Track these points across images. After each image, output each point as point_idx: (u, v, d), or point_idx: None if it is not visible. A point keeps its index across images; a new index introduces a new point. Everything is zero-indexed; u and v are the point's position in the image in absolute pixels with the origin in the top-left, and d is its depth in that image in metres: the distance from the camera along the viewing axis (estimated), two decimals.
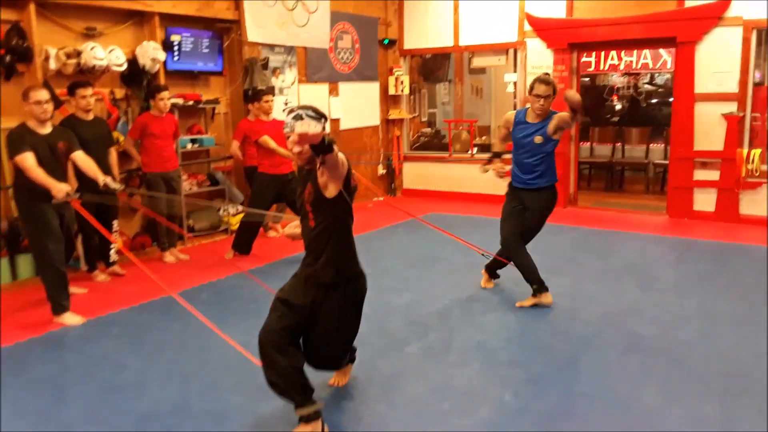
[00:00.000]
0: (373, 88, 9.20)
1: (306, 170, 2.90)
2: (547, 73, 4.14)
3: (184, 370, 3.74)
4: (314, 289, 2.89)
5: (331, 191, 2.76)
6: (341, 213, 2.85)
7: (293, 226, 3.14)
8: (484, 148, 9.37)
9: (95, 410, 3.26)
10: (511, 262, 4.82)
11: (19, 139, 4.40)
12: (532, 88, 4.51)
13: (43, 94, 4.50)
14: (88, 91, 5.27)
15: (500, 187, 5.42)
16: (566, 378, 3.53)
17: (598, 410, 3.16)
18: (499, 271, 5.13)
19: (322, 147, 2.42)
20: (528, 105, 4.62)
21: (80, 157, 4.74)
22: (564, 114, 4.39)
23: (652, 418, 3.06)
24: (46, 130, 4.56)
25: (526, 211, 4.70)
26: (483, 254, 5.19)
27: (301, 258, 3.04)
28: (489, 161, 4.82)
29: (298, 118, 2.75)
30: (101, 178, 4.70)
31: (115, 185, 4.77)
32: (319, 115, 2.83)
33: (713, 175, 7.40)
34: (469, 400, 3.30)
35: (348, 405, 3.30)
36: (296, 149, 2.75)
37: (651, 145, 9.91)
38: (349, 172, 2.79)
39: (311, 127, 2.27)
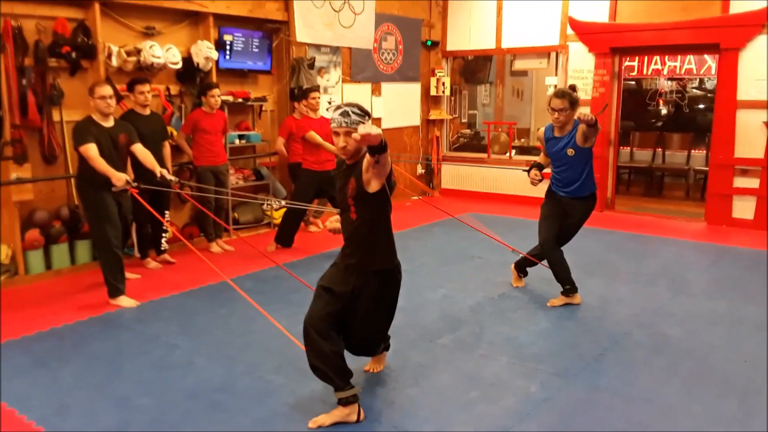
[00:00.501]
0: (414, 89, 9.39)
1: (347, 165, 3.09)
2: (573, 86, 4.34)
3: (229, 352, 4.00)
4: (354, 277, 3.10)
5: (374, 186, 2.95)
6: (383, 206, 3.05)
7: (334, 220, 3.35)
8: (522, 150, 9.49)
9: (148, 385, 3.54)
10: (542, 262, 4.97)
11: (85, 130, 4.74)
12: (549, 102, 4.65)
13: (108, 90, 4.83)
14: (146, 87, 5.61)
15: (536, 190, 5.57)
16: (591, 373, 3.67)
17: (619, 404, 3.31)
18: (529, 270, 5.28)
19: (379, 148, 2.62)
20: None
21: (140, 150, 5.06)
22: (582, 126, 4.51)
23: (672, 413, 3.19)
24: (109, 123, 4.89)
25: (565, 215, 4.82)
26: (513, 251, 5.39)
27: (338, 252, 3.25)
28: (528, 170, 4.95)
29: (346, 115, 2.94)
30: (158, 170, 5.01)
31: (171, 177, 5.08)
32: (364, 113, 3.01)
33: (753, 182, 7.38)
34: (495, 389, 3.47)
35: (381, 390, 3.51)
36: (341, 144, 2.95)
37: (693, 151, 9.88)
38: (391, 168, 2.99)
39: (373, 129, 2.49)
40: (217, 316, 4.64)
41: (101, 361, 3.85)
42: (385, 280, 3.14)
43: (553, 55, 8.80)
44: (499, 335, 4.26)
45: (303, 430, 3.08)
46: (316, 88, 6.76)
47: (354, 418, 3.12)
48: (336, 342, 3.10)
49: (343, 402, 3.10)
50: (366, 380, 3.60)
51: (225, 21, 6.74)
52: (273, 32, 7.27)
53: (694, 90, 10.97)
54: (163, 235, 6.05)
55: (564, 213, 4.82)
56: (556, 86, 8.67)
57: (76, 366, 3.79)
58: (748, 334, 4.24)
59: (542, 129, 4.90)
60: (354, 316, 3.15)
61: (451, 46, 9.60)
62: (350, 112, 2.95)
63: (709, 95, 10.80)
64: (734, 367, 3.74)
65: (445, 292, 5.13)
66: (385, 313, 3.26)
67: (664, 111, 11.02)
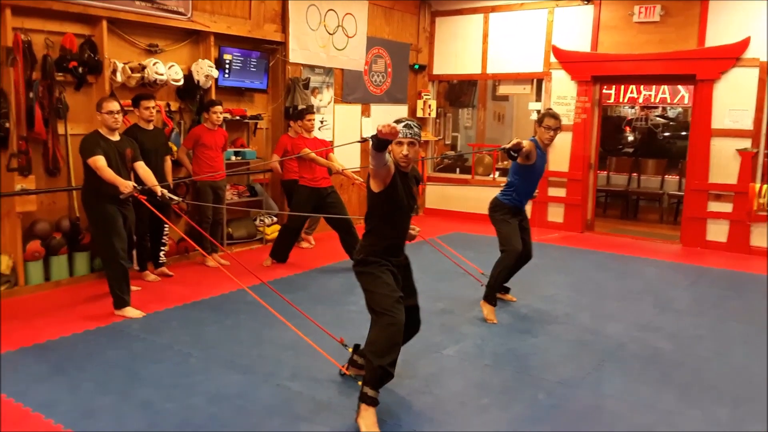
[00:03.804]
0: (402, 111, 9.63)
1: (402, 173, 3.30)
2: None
3: (243, 361, 4.10)
4: (397, 271, 3.39)
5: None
6: None
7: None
8: (505, 172, 9.76)
9: (169, 391, 3.63)
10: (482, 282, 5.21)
11: (93, 143, 4.85)
12: (542, 120, 4.95)
13: (115, 105, 4.95)
14: (152, 103, 5.72)
15: None
16: (594, 382, 3.88)
17: (624, 409, 3.52)
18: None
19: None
20: (534, 136, 5.04)
21: (142, 168, 5.17)
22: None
23: (673, 417, 3.42)
24: (116, 137, 5.02)
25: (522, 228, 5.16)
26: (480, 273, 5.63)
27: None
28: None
29: (409, 127, 3.22)
30: (159, 190, 5.09)
31: (173, 197, 5.17)
32: (420, 126, 3.35)
33: (726, 207, 7.76)
34: (506, 396, 3.66)
35: (397, 396, 3.64)
36: (405, 152, 3.24)
37: (666, 176, 10.30)
38: None
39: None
40: (224, 327, 4.74)
41: (118, 369, 3.92)
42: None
43: (536, 81, 9.13)
44: (500, 347, 4.45)
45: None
46: (312, 110, 6.93)
47: None
48: None
49: (371, 401, 3.22)
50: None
51: (225, 40, 6.90)
52: (270, 52, 7.44)
53: (657, 118, 11.45)
54: (162, 248, 6.13)
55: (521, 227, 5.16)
56: (539, 111, 9.00)
57: (94, 373, 3.85)
58: (733, 348, 4.52)
59: (530, 142, 4.91)
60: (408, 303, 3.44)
61: (437, 70, 9.90)
62: (412, 125, 3.23)
63: (671, 123, 11.30)
64: (724, 377, 4.00)
65: (443, 306, 5.30)
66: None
67: (630, 138, 11.49)
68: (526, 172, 5.07)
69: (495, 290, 5.04)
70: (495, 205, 5.22)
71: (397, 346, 3.24)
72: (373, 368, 3.20)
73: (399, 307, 3.24)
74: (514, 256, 4.98)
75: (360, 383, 3.30)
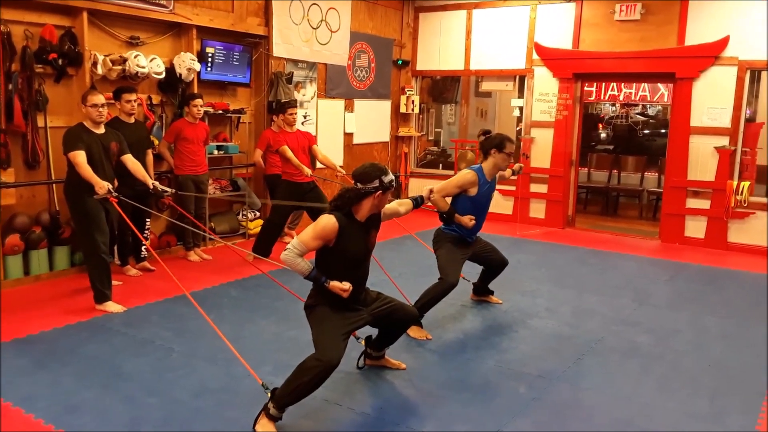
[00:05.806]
0: (385, 106, 9.64)
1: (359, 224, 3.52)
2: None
3: (225, 355, 4.06)
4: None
5: None
6: None
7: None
8: None
9: (152, 385, 3.63)
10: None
11: (76, 137, 4.80)
12: (504, 146, 4.60)
13: (100, 99, 4.91)
14: (133, 96, 5.67)
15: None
16: (573, 376, 3.93)
17: (603, 402, 3.58)
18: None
19: None
20: (479, 163, 4.77)
21: (130, 161, 5.14)
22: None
23: (651, 410, 3.48)
24: (100, 130, 4.97)
25: (472, 252, 4.90)
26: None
27: None
28: (447, 218, 4.68)
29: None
30: (150, 182, 5.07)
31: (165, 188, 5.15)
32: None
33: (704, 204, 7.88)
34: (487, 389, 3.70)
35: (379, 391, 3.67)
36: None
37: (645, 173, 10.43)
38: None
39: None
40: (206, 322, 4.68)
41: (100, 363, 3.90)
42: None
43: (518, 78, 9.18)
44: (482, 341, 4.49)
45: (312, 427, 3.23)
46: (294, 104, 6.90)
47: None
48: None
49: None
50: (364, 380, 3.77)
51: (207, 33, 6.85)
52: (253, 46, 7.41)
53: (637, 116, 11.58)
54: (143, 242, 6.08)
55: (471, 253, 4.90)
56: (521, 108, 9.06)
57: (76, 367, 3.83)
58: (711, 342, 4.60)
59: (470, 173, 4.68)
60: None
61: (420, 66, 9.92)
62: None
63: (651, 121, 11.43)
64: (701, 370, 4.08)
65: None
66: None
67: (603, 135, 11.61)
68: (466, 204, 4.69)
69: (422, 315, 4.55)
70: (436, 236, 4.88)
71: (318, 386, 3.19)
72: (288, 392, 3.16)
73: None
74: (448, 288, 4.56)
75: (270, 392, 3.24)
